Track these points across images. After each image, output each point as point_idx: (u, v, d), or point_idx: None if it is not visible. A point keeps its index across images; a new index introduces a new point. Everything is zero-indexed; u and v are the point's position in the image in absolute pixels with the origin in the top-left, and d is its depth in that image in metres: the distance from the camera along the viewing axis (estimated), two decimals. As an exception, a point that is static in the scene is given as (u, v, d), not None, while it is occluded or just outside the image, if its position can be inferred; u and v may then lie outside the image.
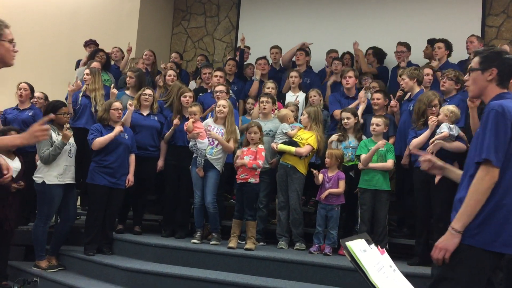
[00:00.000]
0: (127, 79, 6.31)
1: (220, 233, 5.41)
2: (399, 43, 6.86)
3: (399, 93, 5.76)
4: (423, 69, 5.64)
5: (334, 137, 5.47)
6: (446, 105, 4.85)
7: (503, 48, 2.73)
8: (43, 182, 5.05)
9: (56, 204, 5.12)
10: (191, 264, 4.94)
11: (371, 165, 5.09)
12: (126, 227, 5.80)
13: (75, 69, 7.51)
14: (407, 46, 6.82)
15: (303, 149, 5.33)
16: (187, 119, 5.68)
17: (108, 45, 7.55)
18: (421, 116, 4.96)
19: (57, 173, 5.09)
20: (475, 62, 2.60)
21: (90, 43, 7.64)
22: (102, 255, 5.25)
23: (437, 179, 4.66)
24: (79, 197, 6.23)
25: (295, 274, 4.62)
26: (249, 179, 5.12)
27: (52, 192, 5.06)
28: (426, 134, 4.82)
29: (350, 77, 5.98)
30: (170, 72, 6.60)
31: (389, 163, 5.09)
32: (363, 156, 5.13)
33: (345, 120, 5.43)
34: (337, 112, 5.79)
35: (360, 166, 5.16)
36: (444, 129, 4.70)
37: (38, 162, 5.17)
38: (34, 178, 5.13)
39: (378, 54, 7.17)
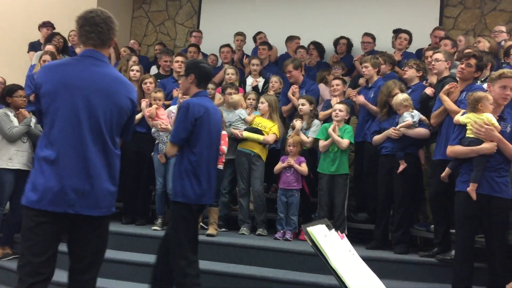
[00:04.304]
0: None
1: (181, 219, 5.38)
2: (365, 34, 6.91)
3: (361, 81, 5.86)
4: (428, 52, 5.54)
5: (299, 124, 5.50)
6: (400, 95, 4.89)
7: (200, 60, 4.41)
8: None
9: (6, 189, 4.99)
10: (152, 251, 4.85)
11: (326, 142, 5.17)
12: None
13: (28, 52, 7.29)
14: (373, 37, 6.87)
15: (270, 138, 5.38)
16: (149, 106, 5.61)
17: (64, 28, 7.30)
18: (383, 107, 5.05)
19: (6, 158, 4.98)
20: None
21: (47, 25, 7.40)
22: (60, 243, 5.13)
23: (400, 168, 4.78)
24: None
25: (257, 260, 4.66)
26: (218, 166, 5.13)
27: (1, 177, 4.94)
28: (384, 137, 4.95)
29: (289, 71, 5.98)
30: (134, 67, 6.15)
31: (344, 142, 5.11)
32: (322, 142, 5.22)
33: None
34: (284, 109, 6.01)
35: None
36: (407, 117, 4.78)
37: None
38: None
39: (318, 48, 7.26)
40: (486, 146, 3.75)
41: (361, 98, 5.46)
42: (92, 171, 2.50)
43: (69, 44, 7.28)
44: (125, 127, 2.71)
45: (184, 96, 5.39)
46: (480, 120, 3.79)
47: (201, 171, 3.48)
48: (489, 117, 3.78)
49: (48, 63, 2.59)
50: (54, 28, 7.32)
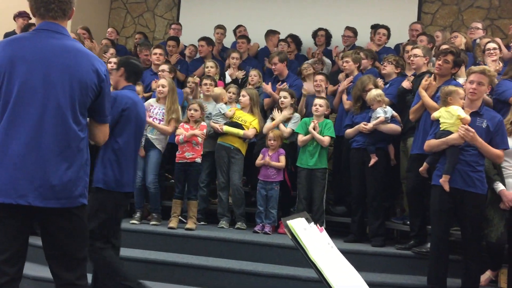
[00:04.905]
0: None
1: (160, 213, 5.36)
2: (347, 28, 6.91)
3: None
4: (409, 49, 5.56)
5: (286, 113, 5.48)
6: (374, 90, 4.94)
7: (131, 56, 4.40)
8: None
9: None
10: (130, 245, 4.85)
11: (305, 137, 5.19)
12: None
13: None
14: (354, 31, 6.87)
15: (250, 133, 5.39)
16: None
17: (41, 18, 7.18)
18: (357, 101, 5.10)
19: None
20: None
21: (23, 15, 7.24)
22: (36, 237, 5.05)
23: (372, 161, 4.84)
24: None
25: (236, 253, 4.67)
26: (196, 159, 5.11)
27: None
28: (355, 130, 4.99)
29: (275, 63, 5.99)
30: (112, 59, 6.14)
31: (325, 140, 5.15)
32: (301, 137, 5.24)
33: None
34: (266, 101, 6.00)
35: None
36: (380, 113, 4.85)
37: None
38: None
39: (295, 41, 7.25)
40: (453, 136, 3.82)
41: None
42: (47, 156, 2.22)
43: None
44: (94, 108, 2.42)
45: (163, 88, 5.38)
46: (447, 113, 3.87)
47: (125, 161, 3.52)
48: (454, 109, 3.86)
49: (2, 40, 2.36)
50: (30, 18, 7.15)
